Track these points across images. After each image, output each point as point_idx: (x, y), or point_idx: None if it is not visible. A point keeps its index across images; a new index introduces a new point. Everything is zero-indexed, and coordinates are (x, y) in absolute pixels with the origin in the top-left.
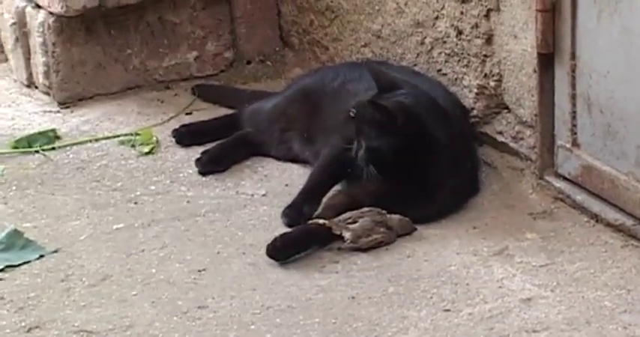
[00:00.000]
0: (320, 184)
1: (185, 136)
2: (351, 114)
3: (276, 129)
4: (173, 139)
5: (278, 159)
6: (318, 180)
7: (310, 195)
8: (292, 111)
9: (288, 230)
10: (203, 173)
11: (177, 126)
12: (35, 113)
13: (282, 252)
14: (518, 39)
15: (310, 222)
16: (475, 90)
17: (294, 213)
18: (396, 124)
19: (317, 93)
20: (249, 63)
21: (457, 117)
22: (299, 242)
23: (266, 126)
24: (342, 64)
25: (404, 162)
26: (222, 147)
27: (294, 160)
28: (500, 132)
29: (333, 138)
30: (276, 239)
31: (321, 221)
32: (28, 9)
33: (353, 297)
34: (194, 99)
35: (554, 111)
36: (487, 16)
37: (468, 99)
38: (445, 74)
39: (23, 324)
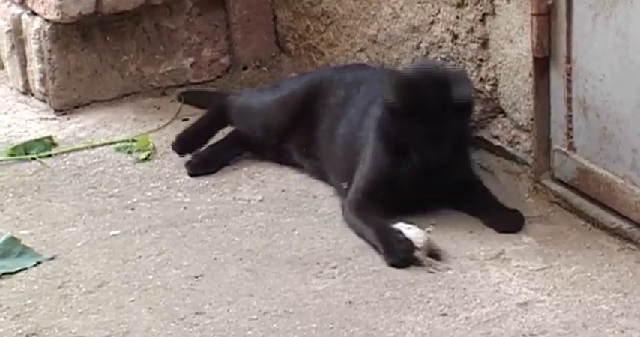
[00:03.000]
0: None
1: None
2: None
3: (271, 138)
4: (169, 144)
5: (274, 162)
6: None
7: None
8: (285, 120)
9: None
10: (194, 175)
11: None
12: (32, 120)
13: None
14: (514, 43)
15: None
16: None
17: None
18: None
19: (307, 101)
20: (245, 69)
21: None
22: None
23: (261, 134)
24: (327, 68)
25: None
26: (213, 149)
27: (291, 165)
28: (497, 137)
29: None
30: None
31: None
32: (24, 16)
33: (350, 302)
34: (181, 105)
35: (550, 115)
36: (482, 20)
37: None
38: None
39: (20, 331)
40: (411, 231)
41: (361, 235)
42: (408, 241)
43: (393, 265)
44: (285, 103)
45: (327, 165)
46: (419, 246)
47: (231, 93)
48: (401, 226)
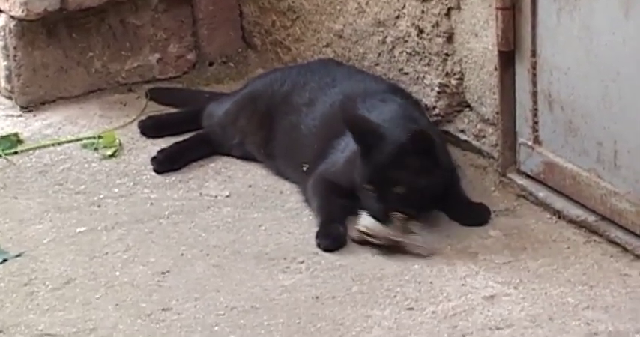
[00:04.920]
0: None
1: (150, 128)
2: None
3: (231, 138)
4: (136, 140)
5: (240, 158)
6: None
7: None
8: (243, 121)
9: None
10: (159, 171)
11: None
12: None
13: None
14: (479, 37)
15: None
16: (437, 89)
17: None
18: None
19: (265, 101)
20: (211, 64)
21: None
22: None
23: (221, 134)
24: (292, 66)
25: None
26: (179, 146)
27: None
28: (463, 131)
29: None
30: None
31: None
32: None
33: (317, 297)
34: (147, 102)
35: (516, 108)
36: (448, 14)
37: (429, 97)
38: (407, 73)
39: None
40: (366, 219)
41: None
42: (339, 229)
43: (319, 245)
44: (242, 106)
45: (284, 163)
46: (372, 233)
47: (197, 91)
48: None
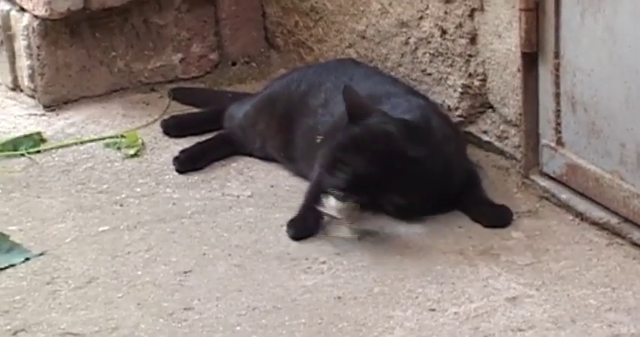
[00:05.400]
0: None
1: (172, 128)
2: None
3: (252, 141)
4: (159, 140)
5: (262, 159)
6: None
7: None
8: (262, 125)
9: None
10: (181, 171)
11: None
12: (20, 116)
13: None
14: (503, 38)
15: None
16: (460, 90)
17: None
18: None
19: (282, 103)
20: (234, 64)
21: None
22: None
23: (242, 137)
24: (309, 66)
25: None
26: (201, 146)
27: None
28: (485, 132)
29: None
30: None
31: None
32: (13, 12)
33: (339, 298)
34: (169, 101)
35: (539, 110)
36: (471, 15)
37: (452, 98)
38: (430, 74)
39: (9, 327)
40: (331, 201)
41: None
42: (309, 220)
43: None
44: (261, 109)
45: (305, 166)
46: (339, 217)
47: (219, 91)
48: (329, 197)
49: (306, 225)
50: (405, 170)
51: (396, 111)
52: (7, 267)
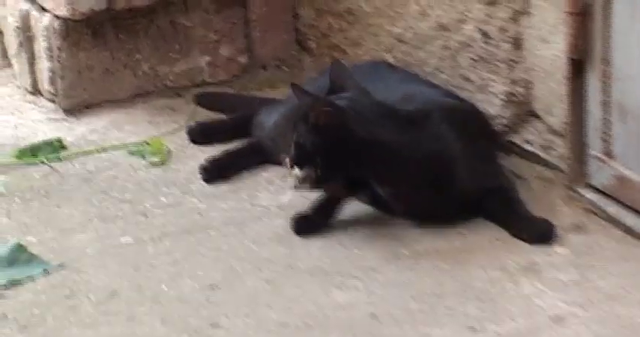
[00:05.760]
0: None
1: (199, 135)
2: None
3: (282, 150)
4: (185, 147)
5: None
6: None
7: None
8: (289, 131)
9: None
10: (208, 181)
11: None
12: (40, 121)
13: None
14: (548, 43)
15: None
16: (503, 98)
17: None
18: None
19: None
20: (264, 68)
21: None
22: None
23: (272, 146)
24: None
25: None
26: (229, 155)
27: None
28: (529, 142)
29: None
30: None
31: None
32: (33, 12)
33: (374, 315)
34: (195, 107)
35: (586, 119)
36: (515, 19)
37: (495, 106)
38: (471, 80)
39: None
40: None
41: None
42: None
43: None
44: (290, 116)
45: None
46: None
47: (248, 96)
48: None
49: (309, 222)
50: (360, 151)
51: (408, 104)
52: (25, 280)
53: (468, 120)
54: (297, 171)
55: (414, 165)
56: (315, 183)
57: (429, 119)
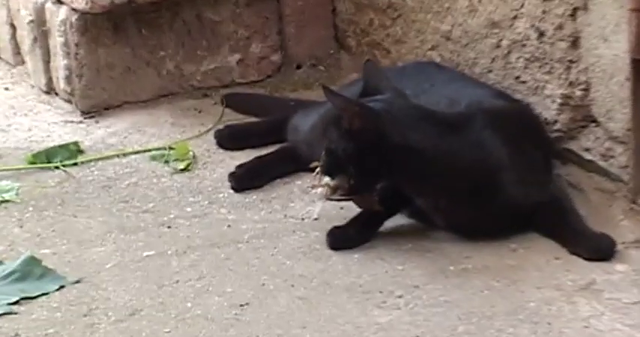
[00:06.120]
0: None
1: (228, 139)
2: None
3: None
4: (212, 153)
5: None
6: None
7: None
8: None
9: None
10: (237, 189)
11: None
12: (55, 123)
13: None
14: (609, 42)
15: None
16: (559, 101)
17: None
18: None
19: None
20: (299, 67)
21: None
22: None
23: (308, 152)
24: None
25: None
26: (261, 161)
27: None
28: (588, 149)
29: None
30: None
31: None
32: (48, 5)
33: None
34: (223, 110)
35: None
36: (573, 15)
37: (550, 110)
38: (524, 82)
39: None
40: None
41: None
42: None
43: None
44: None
45: None
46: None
47: (281, 98)
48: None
49: (346, 236)
50: (395, 158)
51: (454, 107)
52: (39, 296)
53: (517, 124)
54: (328, 179)
55: (454, 174)
56: (347, 193)
57: (472, 123)
